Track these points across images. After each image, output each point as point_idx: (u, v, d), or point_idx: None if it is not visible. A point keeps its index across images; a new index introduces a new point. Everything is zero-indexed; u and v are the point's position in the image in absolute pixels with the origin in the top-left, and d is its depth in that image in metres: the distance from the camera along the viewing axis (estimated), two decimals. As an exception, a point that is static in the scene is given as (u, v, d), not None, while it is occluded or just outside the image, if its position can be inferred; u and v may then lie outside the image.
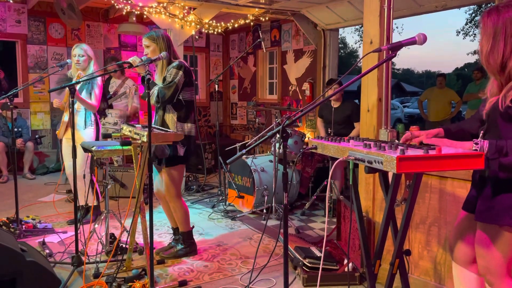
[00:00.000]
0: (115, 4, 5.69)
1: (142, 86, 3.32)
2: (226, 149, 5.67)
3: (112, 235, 3.59)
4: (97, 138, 4.19)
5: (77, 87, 4.05)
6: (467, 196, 2.05)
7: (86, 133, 4.12)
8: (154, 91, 3.16)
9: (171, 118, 3.28)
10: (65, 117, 4.21)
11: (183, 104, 3.28)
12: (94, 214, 4.12)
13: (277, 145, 4.55)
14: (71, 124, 3.13)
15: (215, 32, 6.61)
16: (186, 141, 3.27)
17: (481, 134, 1.87)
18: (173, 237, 3.62)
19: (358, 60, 2.32)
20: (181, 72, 3.19)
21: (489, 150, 1.69)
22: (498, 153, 1.68)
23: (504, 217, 1.77)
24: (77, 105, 4.10)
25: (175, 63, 3.24)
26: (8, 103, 3.72)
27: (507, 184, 1.78)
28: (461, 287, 2.10)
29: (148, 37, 3.27)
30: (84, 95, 4.07)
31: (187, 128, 3.29)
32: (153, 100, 3.16)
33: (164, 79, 3.23)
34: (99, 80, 4.16)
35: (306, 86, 6.88)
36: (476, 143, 1.70)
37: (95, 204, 4.16)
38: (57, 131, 4.34)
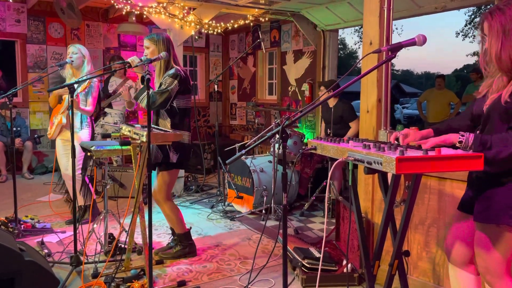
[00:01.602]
0: (115, 4, 5.69)
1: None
2: (226, 149, 5.67)
3: (111, 235, 3.59)
4: (92, 138, 4.24)
5: (76, 87, 4.06)
6: (463, 196, 2.06)
7: (81, 134, 4.15)
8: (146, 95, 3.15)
9: (164, 124, 3.29)
10: (63, 119, 4.20)
11: (176, 111, 3.28)
12: (91, 214, 4.11)
13: (277, 145, 4.56)
14: (70, 124, 3.13)
15: (215, 32, 6.61)
16: (179, 148, 3.27)
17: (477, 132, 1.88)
18: (172, 237, 3.62)
19: (357, 61, 2.32)
20: (176, 82, 3.19)
21: (474, 143, 1.70)
22: (482, 145, 1.70)
23: (502, 216, 1.77)
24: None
25: (172, 71, 3.22)
26: (7, 103, 3.72)
27: (504, 183, 1.78)
28: None
29: (149, 39, 3.27)
30: (81, 98, 4.08)
31: None
32: (143, 103, 3.17)
33: (160, 85, 3.23)
34: (95, 86, 4.17)
35: (305, 86, 6.89)
36: (462, 135, 1.72)
37: (88, 204, 4.16)
38: (48, 132, 4.34)
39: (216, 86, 5.62)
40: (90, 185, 4.20)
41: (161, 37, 3.27)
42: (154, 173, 3.44)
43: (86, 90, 4.10)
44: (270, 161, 4.86)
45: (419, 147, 1.79)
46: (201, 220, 4.56)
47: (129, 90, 5.21)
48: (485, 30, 1.83)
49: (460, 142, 1.71)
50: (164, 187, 3.33)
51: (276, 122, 4.58)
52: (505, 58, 1.78)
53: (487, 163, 1.72)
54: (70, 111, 3.12)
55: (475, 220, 1.88)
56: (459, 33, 19.33)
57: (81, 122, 4.19)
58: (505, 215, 1.77)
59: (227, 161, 2.05)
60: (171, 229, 3.60)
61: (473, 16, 17.67)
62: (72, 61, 4.11)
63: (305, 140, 5.02)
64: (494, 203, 1.80)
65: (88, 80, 4.03)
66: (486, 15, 1.83)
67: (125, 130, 3.08)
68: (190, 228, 3.57)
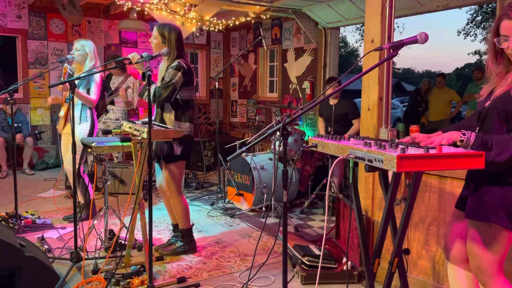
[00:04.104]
0: (116, 0, 5.68)
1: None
2: (226, 146, 5.67)
3: (111, 231, 3.59)
4: (90, 134, 4.16)
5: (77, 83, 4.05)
6: (460, 194, 2.06)
7: (79, 128, 4.07)
8: (151, 90, 3.15)
9: (168, 117, 3.29)
10: (61, 112, 4.22)
11: (180, 103, 3.28)
12: (88, 212, 4.09)
13: (277, 143, 4.56)
14: (71, 119, 3.13)
15: (216, 30, 6.60)
16: (183, 140, 3.27)
17: (476, 131, 1.87)
18: (173, 233, 3.63)
19: (359, 58, 2.32)
20: (179, 73, 3.19)
21: (475, 142, 1.69)
22: (482, 146, 1.69)
23: (491, 215, 1.78)
24: (74, 100, 4.08)
25: (175, 63, 3.22)
26: (8, 98, 3.72)
27: (496, 182, 1.78)
28: (458, 286, 2.10)
29: (158, 31, 3.28)
30: (81, 90, 4.06)
31: (184, 127, 3.29)
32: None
33: (163, 79, 3.23)
34: (97, 77, 4.14)
35: (306, 84, 6.88)
36: (464, 134, 1.71)
37: (85, 202, 4.13)
38: (57, 126, 4.35)
39: (217, 83, 5.62)
40: (89, 183, 4.17)
41: (173, 34, 3.26)
42: (158, 168, 3.45)
43: (85, 81, 4.07)
44: (270, 159, 4.86)
45: (419, 145, 1.78)
46: (201, 217, 4.56)
47: (126, 90, 5.20)
48: (506, 30, 1.76)
49: (461, 141, 1.71)
50: (174, 180, 3.34)
51: (277, 119, 4.58)
52: None
53: (485, 164, 1.72)
54: (70, 106, 3.12)
55: (467, 217, 1.89)
56: (460, 32, 19.29)
57: (80, 116, 4.11)
58: (494, 213, 1.77)
59: (227, 158, 2.05)
60: (173, 225, 3.61)
61: (474, 15, 17.63)
62: (74, 57, 4.11)
63: (305, 138, 5.02)
64: (484, 201, 1.81)
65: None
66: (507, 13, 1.74)
67: (126, 126, 3.08)
68: (193, 224, 3.58)
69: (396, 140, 1.97)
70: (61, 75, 4.02)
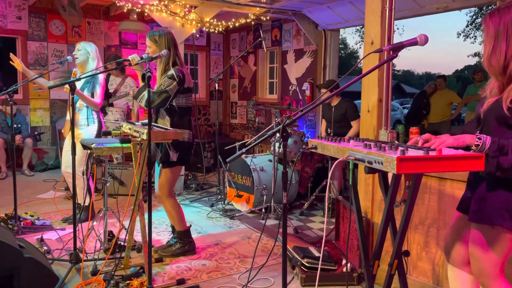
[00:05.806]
0: (116, 2, 5.68)
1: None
2: (226, 148, 5.67)
3: (111, 232, 3.59)
4: (99, 135, 4.18)
5: (78, 85, 4.05)
6: (462, 196, 2.06)
7: (88, 131, 4.10)
8: (145, 94, 3.15)
9: (163, 123, 3.29)
10: (68, 116, 4.22)
11: (176, 110, 3.28)
12: (87, 214, 4.08)
13: (277, 144, 4.55)
14: (71, 121, 3.13)
15: (216, 31, 6.61)
16: (179, 147, 3.27)
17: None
18: (172, 235, 3.62)
19: (359, 60, 2.32)
20: (174, 83, 3.19)
21: (491, 147, 1.68)
22: (499, 151, 1.68)
23: (495, 218, 1.77)
24: (79, 103, 4.09)
25: (170, 72, 3.21)
26: (8, 99, 3.72)
27: (500, 184, 1.78)
28: None
29: (150, 38, 3.27)
30: (85, 93, 4.06)
31: None
32: (142, 102, 3.18)
33: (160, 86, 3.23)
34: (101, 78, 4.14)
35: (306, 86, 6.88)
36: (479, 138, 1.69)
37: (86, 204, 4.13)
38: (62, 130, 4.34)
39: (216, 85, 5.62)
40: (91, 186, 4.17)
41: (163, 37, 3.25)
42: (157, 169, 3.45)
43: (89, 85, 4.07)
44: (270, 160, 4.86)
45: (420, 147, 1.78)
46: (200, 219, 4.56)
47: (125, 97, 5.26)
48: (483, 31, 1.85)
49: (476, 145, 1.69)
50: (166, 183, 3.35)
51: (277, 121, 4.58)
52: (495, 64, 1.78)
53: (500, 169, 1.71)
54: (71, 109, 3.12)
55: (470, 220, 1.88)
56: (460, 34, 19.32)
57: (87, 118, 4.14)
58: (499, 216, 1.76)
59: (227, 160, 2.05)
60: (172, 226, 3.60)
61: (474, 17, 17.67)
62: (77, 58, 4.10)
63: (305, 139, 5.02)
64: (488, 204, 1.80)
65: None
66: (485, 16, 1.84)
67: (126, 127, 3.08)
68: (190, 226, 3.57)
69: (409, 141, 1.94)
70: (66, 78, 4.02)
